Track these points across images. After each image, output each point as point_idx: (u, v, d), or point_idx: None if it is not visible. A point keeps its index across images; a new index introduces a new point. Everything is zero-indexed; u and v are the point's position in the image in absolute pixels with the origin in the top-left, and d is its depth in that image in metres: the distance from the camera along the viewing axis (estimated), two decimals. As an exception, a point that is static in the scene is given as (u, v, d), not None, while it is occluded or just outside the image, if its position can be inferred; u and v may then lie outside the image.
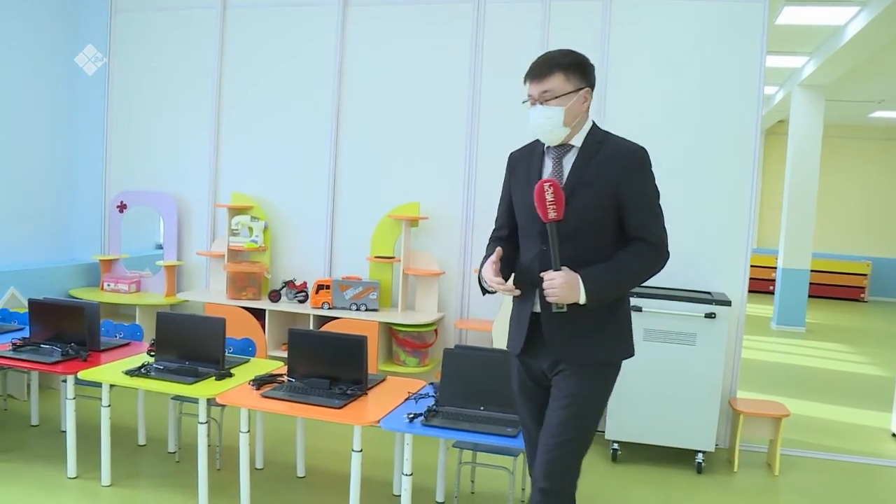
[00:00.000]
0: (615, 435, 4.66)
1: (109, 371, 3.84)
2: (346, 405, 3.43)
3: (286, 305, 5.36)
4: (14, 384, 5.21)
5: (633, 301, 4.56)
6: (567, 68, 2.52)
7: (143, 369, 3.78)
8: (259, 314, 5.34)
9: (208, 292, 5.77)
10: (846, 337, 10.27)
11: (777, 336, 10.02)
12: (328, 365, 3.68)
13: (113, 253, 6.08)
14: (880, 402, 6.45)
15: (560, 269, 2.43)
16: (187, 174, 5.99)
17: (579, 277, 2.42)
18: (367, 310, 5.21)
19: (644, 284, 4.79)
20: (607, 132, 2.62)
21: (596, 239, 2.51)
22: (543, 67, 2.53)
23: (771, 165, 13.49)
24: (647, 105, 4.98)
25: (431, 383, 3.87)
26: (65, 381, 4.02)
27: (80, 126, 6.19)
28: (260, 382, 3.67)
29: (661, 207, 2.57)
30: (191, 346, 3.92)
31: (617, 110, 5.00)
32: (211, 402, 3.67)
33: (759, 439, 4.87)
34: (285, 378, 3.74)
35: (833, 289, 14.11)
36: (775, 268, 10.76)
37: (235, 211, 5.67)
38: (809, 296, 10.63)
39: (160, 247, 6.57)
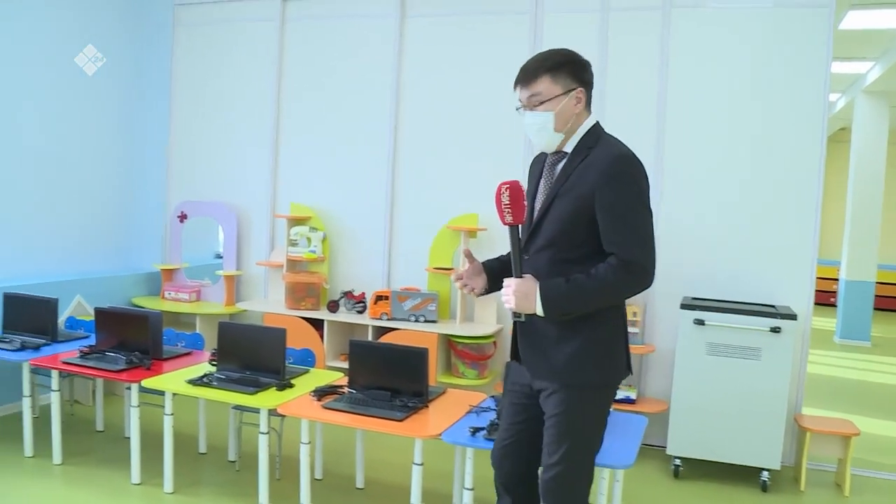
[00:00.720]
0: (677, 450, 4.56)
1: (172, 380, 3.89)
2: (407, 417, 3.41)
3: (344, 316, 5.38)
4: (80, 390, 5.33)
5: (697, 315, 4.49)
6: (554, 69, 2.40)
7: (205, 378, 3.81)
8: (317, 324, 5.37)
9: (267, 302, 5.82)
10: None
11: (841, 350, 9.73)
12: (389, 376, 3.66)
13: (174, 262, 6.17)
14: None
15: (521, 277, 2.37)
16: (247, 185, 6.06)
17: (537, 287, 2.33)
18: (425, 321, 5.19)
19: (706, 297, 4.80)
20: (603, 134, 2.46)
21: (571, 251, 2.40)
22: (529, 71, 2.43)
23: (832, 174, 12.96)
24: (709, 115, 4.89)
25: (493, 396, 3.82)
26: (129, 388, 4.08)
27: (143, 137, 6.31)
28: (321, 393, 3.67)
29: (644, 223, 2.34)
30: (252, 356, 3.94)
31: (677, 121, 4.93)
32: (272, 413, 3.68)
33: (826, 458, 4.71)
34: (346, 389, 3.73)
35: (889, 301, 13.64)
36: (837, 279, 10.45)
37: (294, 221, 5.71)
38: (874, 308, 10.29)
39: (219, 256, 6.66)
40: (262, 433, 3.68)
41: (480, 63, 5.38)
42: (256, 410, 3.71)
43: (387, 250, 5.66)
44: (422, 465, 3.37)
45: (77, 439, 4.65)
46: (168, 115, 6.27)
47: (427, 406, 3.59)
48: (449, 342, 5.18)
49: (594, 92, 2.56)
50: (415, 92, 5.59)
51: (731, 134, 4.85)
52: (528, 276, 2.38)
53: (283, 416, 3.84)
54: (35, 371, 4.36)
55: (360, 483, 4.22)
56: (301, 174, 5.91)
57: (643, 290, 2.39)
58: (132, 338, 4.24)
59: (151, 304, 5.81)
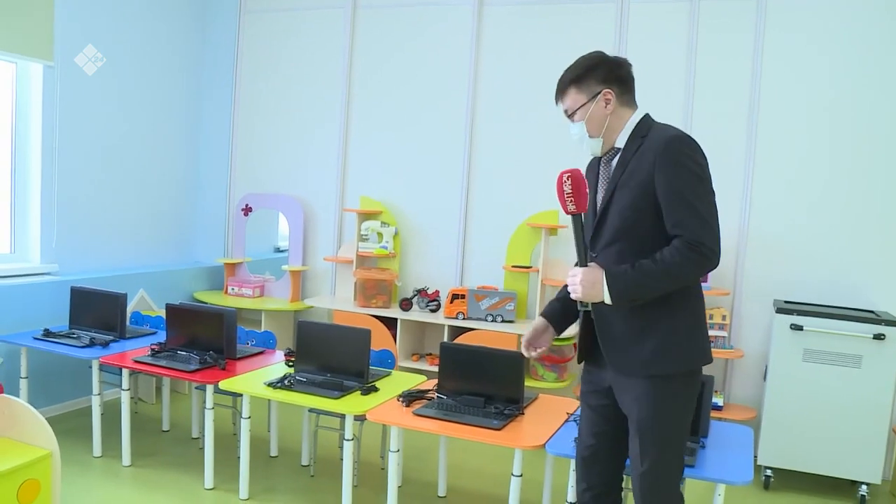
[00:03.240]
0: (768, 460, 4.33)
1: (249, 381, 3.68)
2: (505, 426, 3.16)
3: (418, 314, 5.14)
4: (143, 387, 5.17)
5: (794, 319, 4.26)
6: (577, 80, 2.44)
7: (285, 381, 3.59)
8: (388, 323, 5.14)
9: (334, 299, 5.61)
10: None
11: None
12: (482, 381, 3.42)
13: (237, 256, 5.99)
14: None
15: (586, 266, 2.32)
16: (313, 177, 5.85)
17: (603, 274, 2.27)
18: (503, 321, 4.94)
19: (805, 301, 4.50)
20: (654, 123, 2.42)
21: (640, 241, 2.32)
22: (558, 87, 2.50)
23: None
24: (806, 109, 4.59)
25: (589, 404, 3.57)
26: (199, 388, 3.88)
27: (206, 128, 6.15)
28: (409, 399, 3.44)
29: (705, 201, 2.25)
30: (333, 357, 3.73)
31: (771, 116, 4.65)
32: (357, 418, 3.45)
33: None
34: (434, 394, 3.50)
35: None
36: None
37: (364, 216, 5.49)
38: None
39: (279, 250, 6.49)
40: (347, 440, 3.45)
41: (562, 54, 5.03)
42: (338, 415, 3.49)
43: (461, 247, 5.41)
44: (521, 476, 3.12)
45: (144, 439, 4.48)
46: (232, 105, 6.08)
47: (523, 413, 3.35)
48: (528, 344, 4.92)
49: (638, 84, 2.51)
50: (492, 83, 5.33)
51: (830, 130, 4.53)
52: (593, 265, 2.33)
53: (362, 420, 3.63)
54: (103, 368, 4.19)
55: (441, 491, 3.99)
56: (371, 167, 5.69)
57: (710, 271, 2.35)
58: (204, 336, 4.04)
59: (214, 298, 5.64)
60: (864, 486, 4.19)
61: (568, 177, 2.29)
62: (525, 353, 2.67)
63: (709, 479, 2.79)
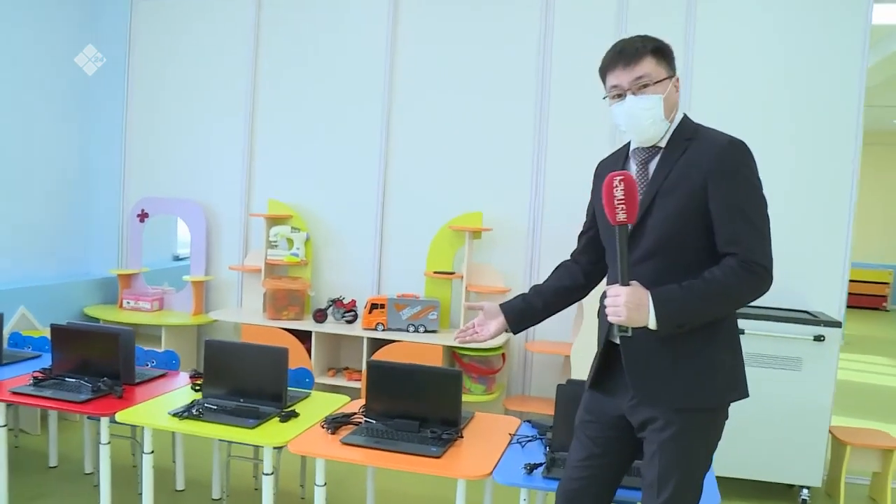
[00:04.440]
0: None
1: (152, 411, 3.26)
2: (445, 452, 2.87)
3: (333, 326, 4.79)
4: (26, 417, 4.61)
5: (735, 322, 4.10)
6: (656, 52, 2.13)
7: (194, 409, 3.19)
8: (302, 336, 4.76)
9: (241, 311, 5.19)
10: (887, 349, 9.80)
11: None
12: (414, 402, 3.12)
13: (132, 266, 5.48)
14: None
15: (628, 285, 2.02)
16: (216, 180, 5.41)
17: (650, 296, 1.99)
18: (425, 331, 4.65)
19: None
20: (699, 126, 2.18)
21: (682, 257, 2.09)
22: (632, 51, 2.12)
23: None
24: (735, 107, 4.49)
25: (528, 421, 3.32)
26: (93, 419, 3.43)
27: (95, 125, 5.60)
28: (334, 425, 3.10)
29: (764, 218, 2.06)
30: (246, 379, 3.35)
31: (702, 117, 4.51)
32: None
33: (859, 471, 4.38)
34: (362, 419, 3.18)
35: (856, 298, 13.64)
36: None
37: (273, 221, 5.09)
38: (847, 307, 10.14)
39: (178, 258, 6.01)
40: (267, 474, 3.08)
41: (486, 45, 4.86)
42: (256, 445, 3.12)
43: (377, 253, 5.09)
44: (464, 509, 2.83)
45: (27, 478, 3.96)
46: (125, 101, 5.56)
47: (462, 436, 3.06)
48: (453, 354, 4.66)
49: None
50: (410, 76, 5.03)
51: (763, 127, 4.45)
52: (636, 284, 2.02)
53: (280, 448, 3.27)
54: (-25, 401, 3.67)
55: (369, 522, 3.66)
56: (279, 168, 5.29)
57: (763, 294, 2.05)
58: (97, 359, 3.56)
59: (107, 313, 5.13)
60: (805, 490, 4.13)
61: (620, 180, 1.97)
62: (457, 336, 2.48)
63: None
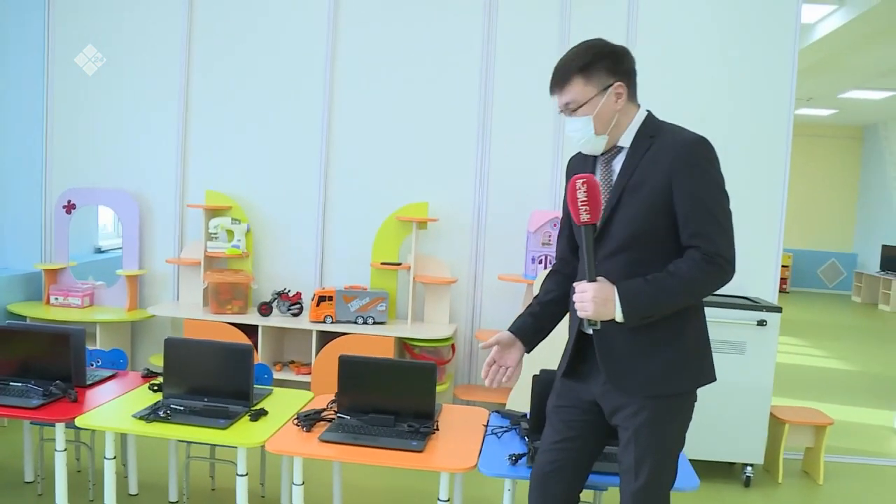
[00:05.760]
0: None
1: (113, 414, 3.13)
2: (426, 446, 2.89)
3: (279, 320, 4.71)
4: (-48, 422, 4.36)
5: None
6: (585, 69, 2.17)
7: (160, 412, 3.09)
8: (248, 330, 4.66)
9: (179, 306, 5.03)
10: (791, 329, 10.36)
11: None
12: (387, 397, 3.12)
13: (59, 260, 5.21)
14: (865, 397, 6.46)
15: (595, 281, 2.12)
16: (149, 169, 5.20)
17: (616, 290, 2.10)
18: (374, 323, 4.64)
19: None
20: (663, 123, 2.25)
21: (650, 251, 2.17)
22: (559, 76, 2.21)
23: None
24: (673, 98, 4.63)
25: (497, 411, 3.38)
26: (44, 424, 3.27)
27: (12, 113, 5.28)
28: (309, 422, 3.07)
29: (726, 212, 2.16)
30: (210, 378, 3.26)
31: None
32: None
33: (794, 447, 4.63)
34: (334, 415, 3.15)
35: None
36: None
37: (212, 212, 4.94)
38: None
39: (100, 250, 5.77)
40: (240, 475, 3.02)
41: (430, 32, 4.85)
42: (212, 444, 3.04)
43: (320, 244, 5.03)
44: (448, 501, 2.86)
45: (-38, 489, 3.75)
46: (45, 86, 5.24)
47: (438, 429, 3.09)
48: (404, 346, 4.67)
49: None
50: (352, 64, 4.97)
51: (701, 123, 4.61)
52: (602, 280, 2.13)
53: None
54: None
55: (339, 517, 3.64)
56: (217, 158, 5.13)
57: (725, 285, 2.17)
58: (45, 361, 3.37)
59: (34, 311, 4.88)
60: (748, 468, 4.33)
61: (583, 182, 2.05)
62: (486, 379, 2.42)
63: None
